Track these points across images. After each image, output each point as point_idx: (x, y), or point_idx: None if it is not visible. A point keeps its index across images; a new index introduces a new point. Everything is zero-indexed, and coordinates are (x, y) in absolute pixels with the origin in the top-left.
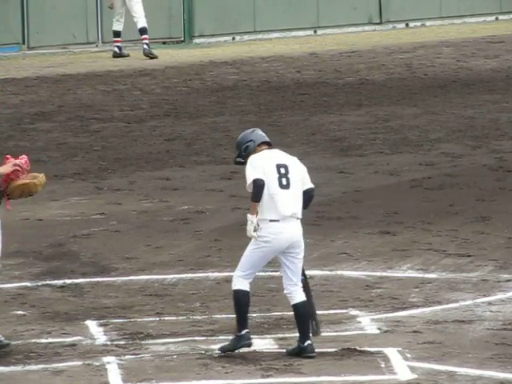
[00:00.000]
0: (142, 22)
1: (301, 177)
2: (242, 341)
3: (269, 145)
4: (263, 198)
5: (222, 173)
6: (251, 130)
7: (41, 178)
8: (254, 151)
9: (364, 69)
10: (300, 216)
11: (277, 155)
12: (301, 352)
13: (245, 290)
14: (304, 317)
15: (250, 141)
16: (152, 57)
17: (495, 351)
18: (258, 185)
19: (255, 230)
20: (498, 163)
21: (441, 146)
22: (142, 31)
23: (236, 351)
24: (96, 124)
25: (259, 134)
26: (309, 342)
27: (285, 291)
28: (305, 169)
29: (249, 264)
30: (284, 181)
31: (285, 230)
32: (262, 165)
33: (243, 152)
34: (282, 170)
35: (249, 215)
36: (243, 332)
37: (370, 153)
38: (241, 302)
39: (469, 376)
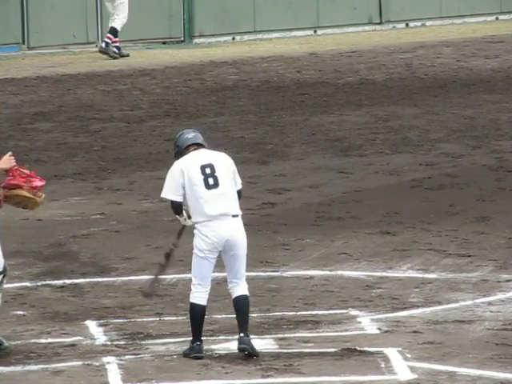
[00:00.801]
0: (116, 23)
1: (230, 173)
2: (192, 352)
3: (198, 145)
4: (191, 202)
5: None
6: (179, 133)
7: (43, 198)
8: (183, 155)
9: (364, 69)
10: (235, 213)
11: (201, 156)
12: (238, 343)
13: (200, 303)
14: (241, 310)
15: (177, 147)
16: (111, 56)
17: (495, 351)
18: (174, 204)
19: (186, 219)
20: (498, 163)
21: (441, 145)
22: (112, 30)
23: (236, 351)
24: (96, 124)
25: (184, 138)
26: (241, 334)
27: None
28: (234, 167)
29: (197, 270)
30: (211, 180)
31: (217, 228)
32: (179, 176)
33: (176, 158)
34: (208, 170)
35: (177, 216)
36: (195, 344)
37: (370, 153)
38: (195, 314)
39: (469, 376)
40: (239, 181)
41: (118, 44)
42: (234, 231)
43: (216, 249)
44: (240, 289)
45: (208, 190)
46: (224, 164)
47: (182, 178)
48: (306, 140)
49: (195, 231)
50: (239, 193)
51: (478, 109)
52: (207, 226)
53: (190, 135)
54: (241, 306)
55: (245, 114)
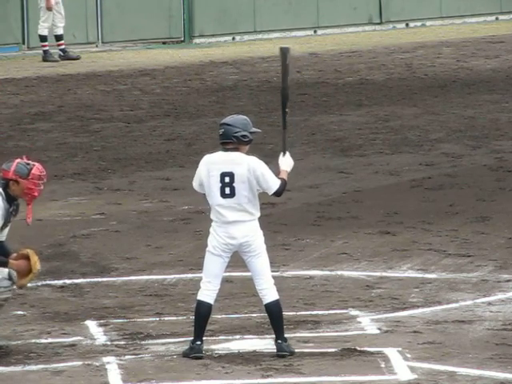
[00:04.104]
0: (40, 30)
1: (250, 182)
2: (191, 352)
3: (227, 143)
4: (209, 201)
5: None
6: (225, 121)
7: (36, 265)
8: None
9: (364, 69)
10: (248, 218)
11: (226, 161)
12: (277, 350)
13: (206, 301)
14: (273, 317)
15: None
16: (71, 58)
17: (495, 351)
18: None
19: None
20: (498, 163)
21: (441, 145)
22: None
23: (236, 351)
24: (96, 124)
25: (220, 132)
26: (278, 341)
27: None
28: (259, 171)
29: (206, 268)
30: (227, 190)
31: (231, 230)
32: (204, 174)
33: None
34: (227, 179)
35: None
36: (195, 343)
37: (370, 153)
38: (200, 312)
39: (469, 376)
40: (269, 185)
41: (46, 48)
42: (248, 233)
43: (229, 249)
44: (269, 293)
45: (223, 198)
46: (244, 173)
47: (203, 173)
48: (305, 140)
49: (211, 229)
50: (276, 193)
51: (478, 109)
52: (222, 227)
53: (221, 130)
54: (273, 312)
55: (245, 114)
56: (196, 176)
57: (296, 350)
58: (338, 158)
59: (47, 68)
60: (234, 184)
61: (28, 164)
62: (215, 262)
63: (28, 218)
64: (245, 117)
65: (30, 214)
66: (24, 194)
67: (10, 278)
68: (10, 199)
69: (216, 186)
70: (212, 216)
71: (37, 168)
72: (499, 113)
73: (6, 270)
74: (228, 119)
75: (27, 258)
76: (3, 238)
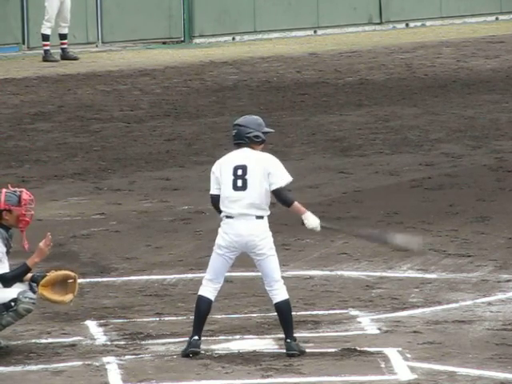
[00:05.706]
0: (42, 28)
1: (263, 176)
2: (189, 347)
3: (240, 144)
4: (221, 197)
5: None
6: (237, 122)
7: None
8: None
9: (364, 69)
10: (258, 214)
11: (239, 156)
12: (286, 349)
13: (207, 297)
14: (283, 316)
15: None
16: (73, 58)
17: (495, 351)
18: (212, 199)
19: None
20: (498, 163)
21: (441, 145)
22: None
23: (236, 351)
24: (96, 124)
25: (233, 134)
26: (287, 340)
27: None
28: (271, 169)
29: (211, 265)
30: (239, 182)
31: (238, 228)
32: (218, 172)
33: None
34: (239, 172)
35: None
36: (192, 339)
37: (370, 153)
38: (200, 308)
39: (469, 376)
40: (276, 180)
41: (47, 48)
42: (254, 232)
43: (235, 248)
44: (279, 293)
45: (235, 191)
46: (258, 167)
47: (218, 172)
48: (305, 140)
49: (219, 229)
50: (277, 194)
51: (478, 109)
52: (229, 223)
53: (234, 131)
54: (282, 311)
55: (245, 114)
56: (212, 181)
57: None
58: (338, 157)
59: (47, 68)
60: (246, 177)
61: (15, 191)
62: (219, 261)
63: (26, 245)
64: (257, 117)
65: (26, 240)
66: (18, 222)
67: (32, 290)
68: (4, 229)
69: (229, 178)
70: (221, 207)
71: (25, 193)
72: (499, 113)
73: (26, 283)
74: (240, 120)
75: (67, 278)
76: (8, 269)
